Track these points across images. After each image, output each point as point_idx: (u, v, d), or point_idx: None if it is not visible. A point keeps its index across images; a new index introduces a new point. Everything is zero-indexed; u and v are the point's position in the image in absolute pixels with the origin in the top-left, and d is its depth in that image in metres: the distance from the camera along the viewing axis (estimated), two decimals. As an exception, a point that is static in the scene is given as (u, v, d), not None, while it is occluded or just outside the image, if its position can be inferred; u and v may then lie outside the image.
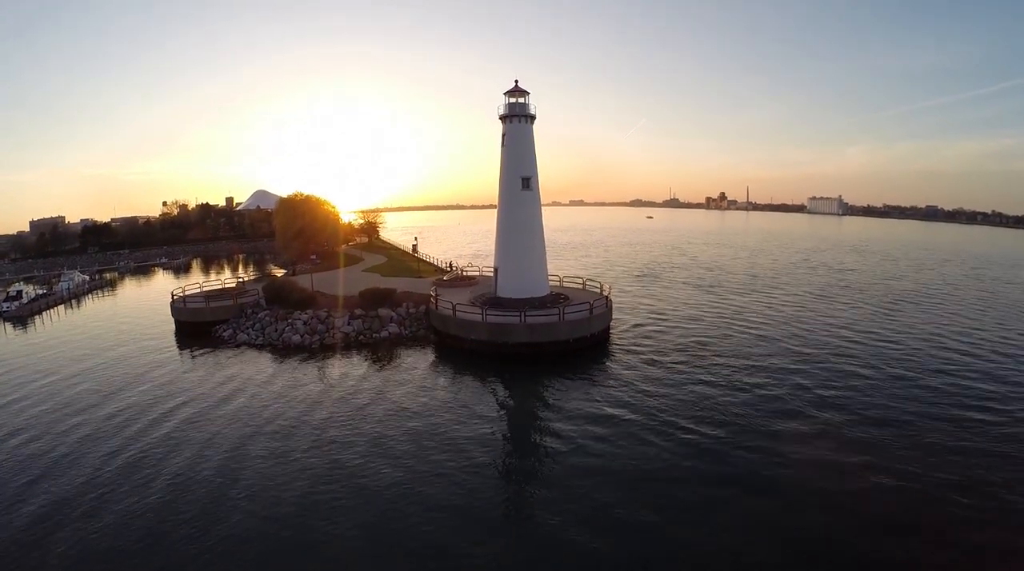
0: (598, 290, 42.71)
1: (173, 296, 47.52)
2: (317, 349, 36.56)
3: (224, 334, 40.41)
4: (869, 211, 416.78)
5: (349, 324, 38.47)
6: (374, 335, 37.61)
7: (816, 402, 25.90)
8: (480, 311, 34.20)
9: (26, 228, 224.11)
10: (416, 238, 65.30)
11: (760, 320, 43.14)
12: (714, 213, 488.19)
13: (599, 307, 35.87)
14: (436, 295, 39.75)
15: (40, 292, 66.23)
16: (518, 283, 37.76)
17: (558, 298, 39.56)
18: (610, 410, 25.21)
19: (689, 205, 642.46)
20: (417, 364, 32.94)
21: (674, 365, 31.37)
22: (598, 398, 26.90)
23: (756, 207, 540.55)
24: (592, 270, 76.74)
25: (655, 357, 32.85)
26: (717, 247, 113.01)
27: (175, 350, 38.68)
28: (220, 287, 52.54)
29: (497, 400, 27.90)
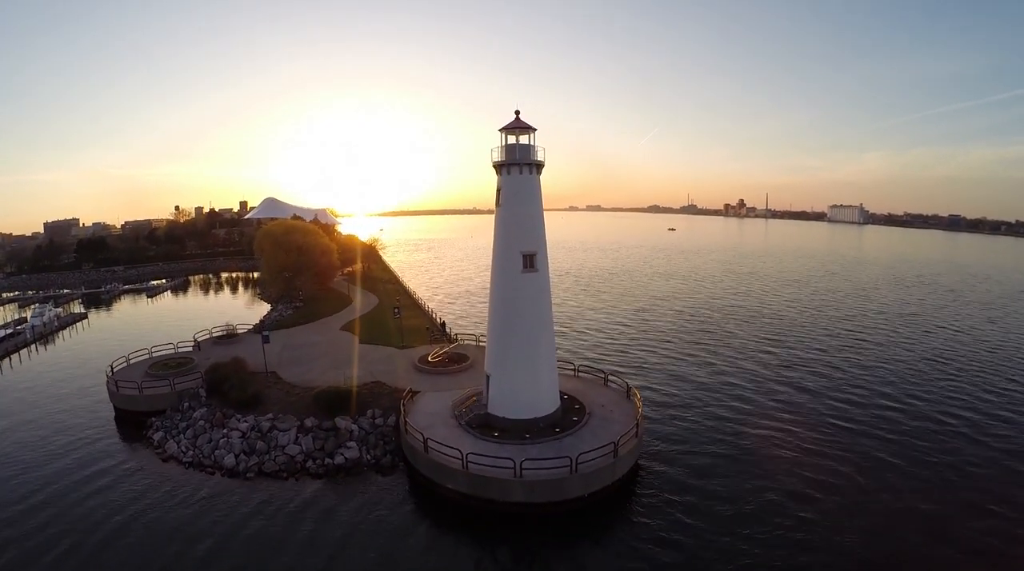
0: (623, 388, 33.25)
1: (111, 371, 39.71)
2: (253, 478, 28.01)
3: (155, 437, 32.89)
4: (890, 220, 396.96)
5: (297, 442, 29.71)
6: (327, 460, 28.69)
7: None
8: (460, 453, 24.86)
9: (40, 229, 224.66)
10: (398, 309, 53.94)
11: (875, 437, 32.05)
12: (732, 220, 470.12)
13: (627, 440, 26.27)
14: (406, 403, 30.94)
15: (3, 333, 59.72)
16: (516, 399, 28.21)
17: (570, 410, 30.14)
18: None
19: (707, 211, 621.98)
20: (374, 516, 23.99)
21: (733, 541, 21.60)
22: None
23: (775, 214, 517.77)
24: (625, 317, 66.63)
25: (706, 525, 23.09)
26: (765, 281, 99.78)
27: (97, 451, 32.04)
28: (171, 352, 44.73)
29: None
